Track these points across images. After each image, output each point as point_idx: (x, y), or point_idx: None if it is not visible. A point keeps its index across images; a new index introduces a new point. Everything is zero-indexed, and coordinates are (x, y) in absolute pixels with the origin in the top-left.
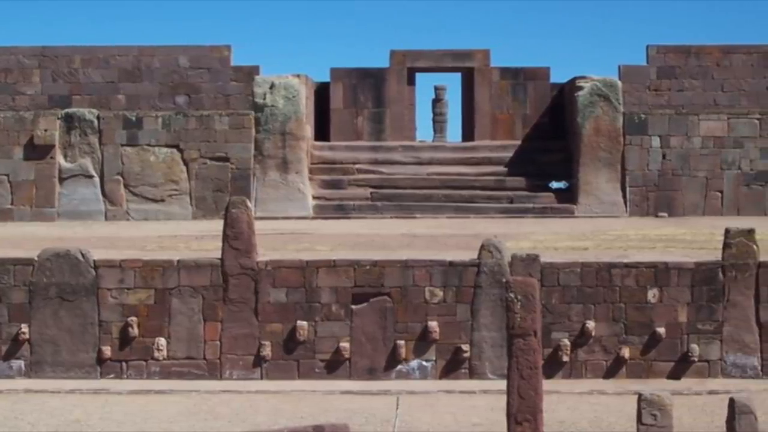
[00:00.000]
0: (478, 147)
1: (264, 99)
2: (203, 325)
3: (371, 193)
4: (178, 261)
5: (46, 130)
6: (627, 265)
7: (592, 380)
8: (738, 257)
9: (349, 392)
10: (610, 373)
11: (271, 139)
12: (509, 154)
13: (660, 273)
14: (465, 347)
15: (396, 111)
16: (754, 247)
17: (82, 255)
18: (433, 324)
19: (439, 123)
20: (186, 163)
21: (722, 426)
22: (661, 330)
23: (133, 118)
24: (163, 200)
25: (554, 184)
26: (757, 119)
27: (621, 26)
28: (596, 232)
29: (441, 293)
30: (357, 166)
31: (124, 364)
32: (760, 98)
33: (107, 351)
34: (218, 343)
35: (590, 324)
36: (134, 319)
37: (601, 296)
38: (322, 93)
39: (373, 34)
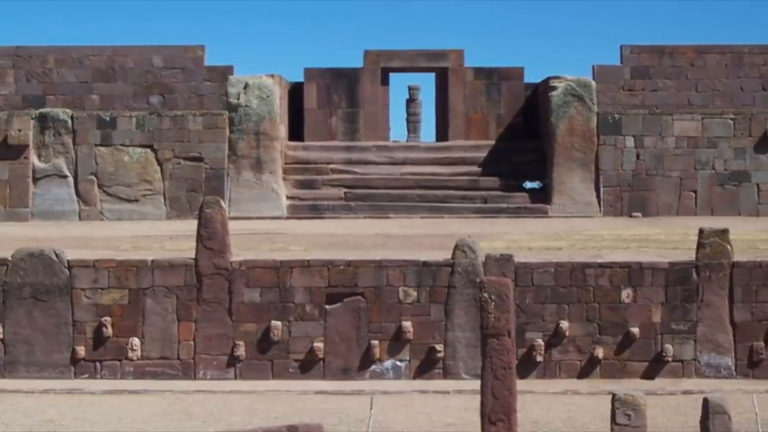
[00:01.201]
0: (452, 147)
1: (238, 99)
2: (177, 325)
3: (345, 193)
4: (152, 261)
5: (20, 130)
6: (601, 265)
7: (566, 380)
8: (712, 257)
9: (323, 392)
10: (584, 373)
11: (245, 139)
12: (483, 154)
13: (634, 273)
14: (439, 347)
15: (370, 111)
16: (728, 247)
17: (56, 255)
18: (407, 324)
19: (413, 123)
20: (160, 163)
21: (696, 426)
22: (635, 330)
23: (107, 118)
24: (137, 200)
25: (528, 184)
26: (731, 119)
27: (595, 26)
28: (570, 232)
29: (415, 293)
30: (331, 166)
31: (98, 364)
32: (734, 98)
33: (81, 351)
34: (192, 343)
35: (564, 324)
36: (108, 319)
37: (575, 296)
38: (296, 93)
39: (347, 34)
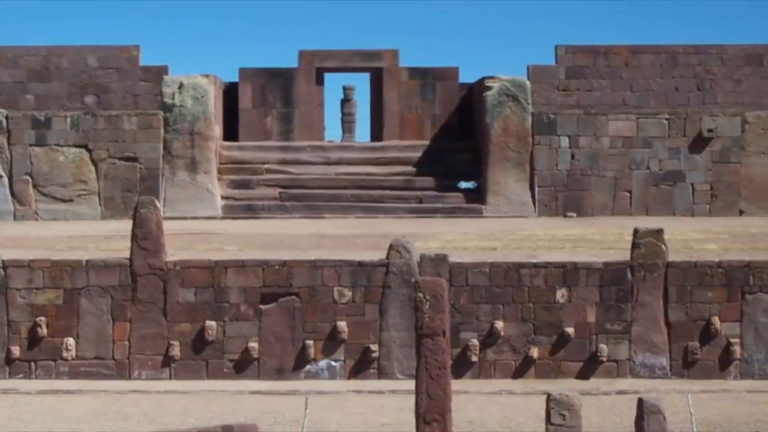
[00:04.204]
0: (386, 147)
1: (173, 99)
2: (112, 325)
3: (280, 193)
4: (87, 261)
5: None
6: (536, 265)
7: (501, 380)
8: (647, 257)
9: (257, 392)
10: (518, 373)
11: (180, 139)
12: (418, 154)
13: (569, 273)
14: (374, 347)
15: (305, 111)
16: (663, 247)
17: None
18: (342, 324)
19: (347, 123)
20: (95, 163)
21: (631, 426)
22: (570, 330)
23: (42, 118)
24: (72, 200)
25: (463, 184)
26: (666, 119)
27: (529, 26)
28: (505, 232)
29: (350, 293)
30: (266, 166)
31: (32, 364)
32: (669, 98)
33: (16, 351)
34: (127, 343)
35: (499, 324)
36: (43, 319)
37: (510, 296)
38: (230, 93)
39: (282, 34)
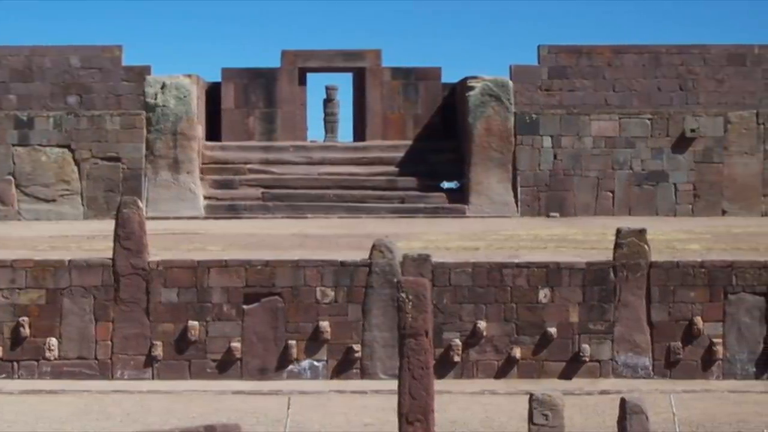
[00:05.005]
0: (369, 147)
1: (155, 99)
2: (95, 325)
3: (262, 193)
4: (70, 261)
5: None
6: (518, 265)
7: (484, 380)
8: (629, 257)
9: (240, 392)
10: (501, 373)
11: (163, 139)
12: (400, 154)
13: (551, 273)
14: (356, 347)
15: (287, 111)
16: (645, 247)
17: None
18: (325, 324)
19: (330, 123)
20: (77, 163)
21: (614, 426)
22: (553, 330)
23: (25, 118)
24: (54, 200)
25: (445, 184)
26: (649, 119)
27: (512, 26)
28: (487, 232)
29: (332, 293)
30: (248, 166)
31: (15, 364)
32: (651, 98)
33: None
34: (110, 343)
35: (482, 324)
36: (26, 319)
37: (493, 296)
38: (213, 93)
39: (265, 34)
